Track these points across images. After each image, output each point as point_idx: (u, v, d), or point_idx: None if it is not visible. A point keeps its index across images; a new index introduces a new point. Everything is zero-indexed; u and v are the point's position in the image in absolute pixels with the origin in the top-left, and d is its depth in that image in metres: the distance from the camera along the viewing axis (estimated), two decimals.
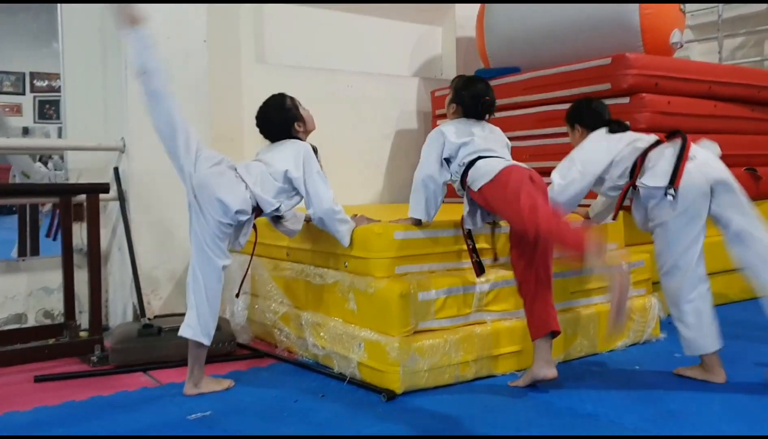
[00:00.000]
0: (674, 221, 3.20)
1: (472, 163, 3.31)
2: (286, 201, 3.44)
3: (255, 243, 3.73)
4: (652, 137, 3.44)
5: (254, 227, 3.50)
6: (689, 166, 3.19)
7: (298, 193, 3.44)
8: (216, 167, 3.27)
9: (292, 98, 3.59)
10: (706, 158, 3.26)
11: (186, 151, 3.21)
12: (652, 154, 3.33)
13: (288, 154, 3.41)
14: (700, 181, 3.16)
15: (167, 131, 3.19)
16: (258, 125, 3.60)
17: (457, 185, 3.45)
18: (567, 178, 3.45)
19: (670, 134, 3.40)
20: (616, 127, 3.62)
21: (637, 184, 3.32)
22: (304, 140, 3.57)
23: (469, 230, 3.45)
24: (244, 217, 3.28)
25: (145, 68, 3.12)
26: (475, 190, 3.28)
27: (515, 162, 3.33)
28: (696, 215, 3.18)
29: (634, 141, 3.45)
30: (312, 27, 6.13)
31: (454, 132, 3.38)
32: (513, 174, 3.19)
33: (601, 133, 3.59)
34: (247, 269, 3.84)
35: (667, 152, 3.29)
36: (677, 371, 3.39)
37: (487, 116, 3.51)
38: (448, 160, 3.40)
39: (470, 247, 3.43)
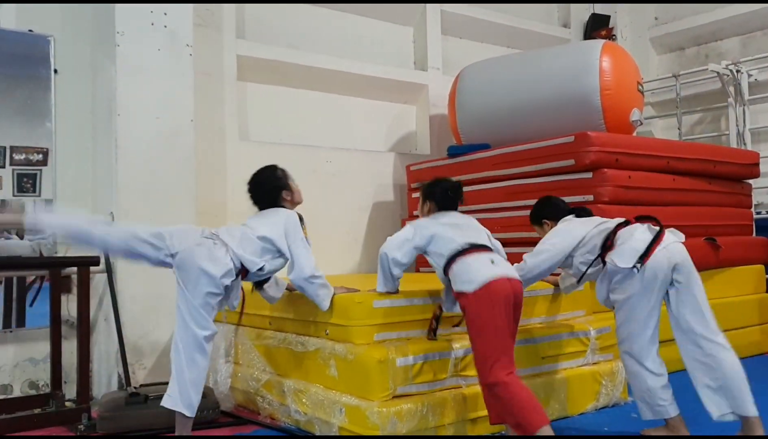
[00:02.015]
0: (636, 296, 3.39)
1: (453, 257, 3.33)
2: (271, 261, 3.57)
3: (242, 312, 3.84)
4: (618, 219, 3.64)
5: (242, 292, 3.64)
6: (657, 250, 3.38)
7: (281, 255, 3.59)
8: (194, 240, 3.43)
9: (283, 170, 3.82)
10: (670, 241, 3.45)
11: (155, 249, 3.38)
12: (621, 233, 3.51)
13: (273, 221, 3.60)
14: (662, 263, 3.36)
15: (130, 254, 3.42)
16: (249, 191, 3.79)
17: (439, 274, 3.48)
18: (537, 258, 3.63)
19: (638, 217, 3.61)
20: (582, 212, 3.86)
21: (606, 260, 3.51)
22: (290, 210, 3.75)
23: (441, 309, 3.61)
24: (228, 281, 3.42)
25: (80, 238, 3.42)
26: (455, 289, 3.32)
27: (502, 271, 3.27)
28: (656, 293, 3.38)
29: (601, 223, 3.66)
30: (293, 106, 6.42)
31: (428, 222, 3.52)
32: (493, 296, 3.17)
33: (570, 218, 3.82)
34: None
35: (637, 233, 3.47)
36: (644, 432, 3.55)
37: (459, 204, 3.65)
38: (425, 252, 3.49)
39: (435, 315, 3.63)
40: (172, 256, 3.38)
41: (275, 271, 3.68)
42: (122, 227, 3.53)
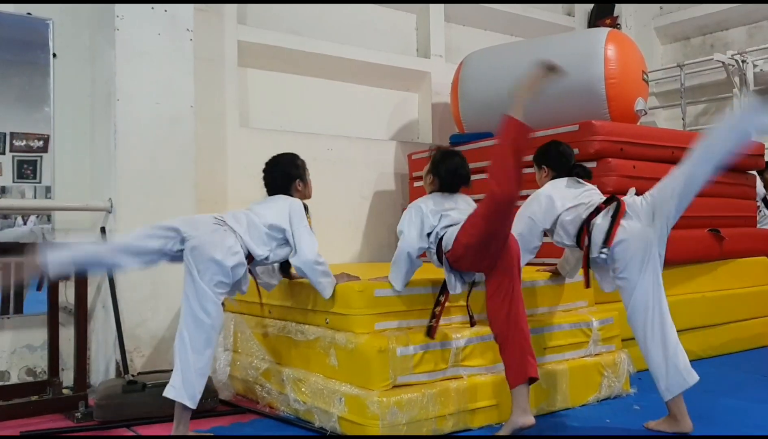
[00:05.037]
0: (626, 272, 3.41)
1: (443, 235, 3.47)
2: (276, 250, 3.55)
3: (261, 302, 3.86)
4: (594, 202, 3.65)
5: (257, 283, 3.64)
6: (623, 223, 3.43)
7: (287, 243, 3.57)
8: (207, 228, 3.39)
9: (303, 161, 3.85)
10: (632, 202, 3.51)
11: (168, 239, 3.33)
12: (592, 223, 3.55)
13: (278, 207, 3.58)
14: (635, 229, 3.40)
15: (144, 255, 3.34)
16: (264, 172, 3.80)
17: (434, 258, 3.56)
18: (519, 223, 3.69)
19: (607, 200, 3.62)
20: (581, 171, 3.86)
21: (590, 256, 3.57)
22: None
23: (444, 296, 3.57)
24: (241, 271, 3.40)
25: (93, 263, 3.40)
26: (450, 248, 3.40)
27: None
28: (640, 261, 3.38)
29: (579, 205, 3.67)
30: (294, 93, 6.36)
31: (432, 209, 3.53)
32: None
33: (558, 185, 3.81)
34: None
35: (600, 217, 3.53)
36: (648, 425, 3.51)
37: (461, 188, 3.68)
38: (428, 234, 3.53)
39: (436, 312, 3.55)
40: (184, 242, 3.32)
41: (280, 261, 3.65)
42: (127, 234, 3.48)
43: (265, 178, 3.81)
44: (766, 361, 5.22)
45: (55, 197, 4.78)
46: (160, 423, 3.67)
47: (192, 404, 3.27)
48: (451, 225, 3.47)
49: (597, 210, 3.59)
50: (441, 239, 3.47)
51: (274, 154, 3.88)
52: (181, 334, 3.31)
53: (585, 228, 3.57)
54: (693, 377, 3.36)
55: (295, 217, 3.56)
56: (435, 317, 3.54)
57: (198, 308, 3.28)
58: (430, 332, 3.51)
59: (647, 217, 3.42)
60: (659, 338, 3.36)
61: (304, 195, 3.81)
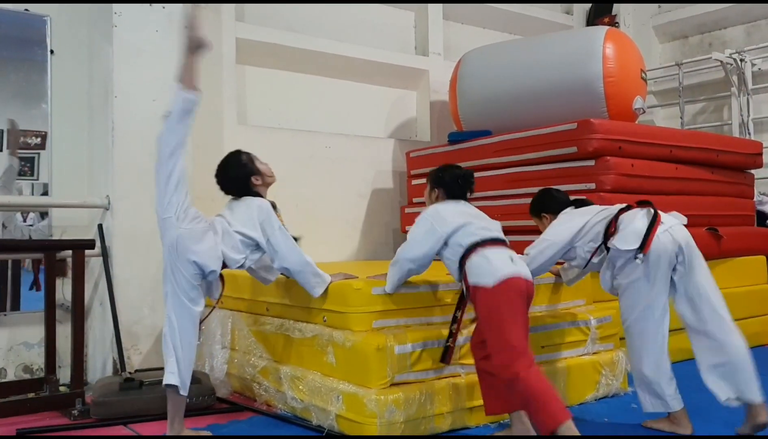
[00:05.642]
0: (640, 281, 3.35)
1: (472, 248, 3.19)
2: (251, 255, 3.52)
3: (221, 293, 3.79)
4: (620, 204, 3.60)
5: (221, 278, 3.56)
6: (659, 232, 3.33)
7: (260, 248, 3.52)
8: (195, 224, 3.39)
9: (247, 154, 3.69)
10: (672, 223, 3.41)
11: (174, 192, 3.34)
12: (624, 217, 3.46)
13: (246, 214, 3.50)
14: (667, 246, 3.31)
15: (168, 151, 3.39)
16: (218, 183, 3.69)
17: (452, 268, 3.33)
18: (538, 248, 3.60)
19: (640, 202, 3.56)
20: (581, 204, 3.81)
21: (608, 245, 3.46)
22: (264, 193, 3.66)
23: (461, 311, 3.43)
24: (213, 276, 3.39)
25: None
26: (471, 282, 3.18)
27: (521, 270, 3.17)
28: (660, 277, 3.33)
29: (602, 210, 3.61)
30: (292, 90, 6.36)
31: (452, 212, 3.32)
32: (511, 292, 3.08)
33: (569, 210, 3.76)
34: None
35: (638, 217, 3.42)
36: (646, 424, 3.51)
37: (468, 195, 3.49)
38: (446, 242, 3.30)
39: (453, 330, 3.43)
40: (175, 224, 3.32)
41: (256, 263, 3.61)
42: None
43: (221, 188, 3.69)
44: (763, 360, 5.21)
45: (52, 194, 4.77)
46: (156, 421, 3.66)
47: (184, 391, 3.27)
48: (475, 236, 3.21)
49: (628, 207, 3.53)
50: (466, 252, 3.20)
51: (228, 153, 3.75)
52: (169, 319, 3.31)
53: (613, 223, 3.47)
54: (678, 405, 3.36)
55: (266, 223, 3.48)
56: (452, 335, 3.42)
57: (184, 296, 3.29)
58: (447, 354, 3.42)
59: (673, 255, 3.33)
60: (657, 356, 3.35)
61: (266, 184, 3.68)
